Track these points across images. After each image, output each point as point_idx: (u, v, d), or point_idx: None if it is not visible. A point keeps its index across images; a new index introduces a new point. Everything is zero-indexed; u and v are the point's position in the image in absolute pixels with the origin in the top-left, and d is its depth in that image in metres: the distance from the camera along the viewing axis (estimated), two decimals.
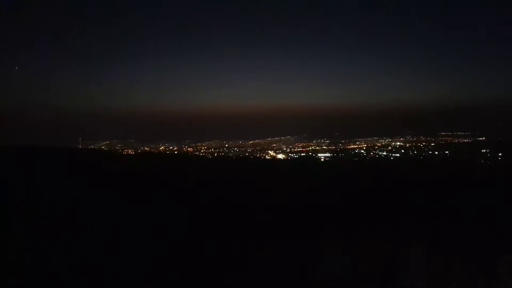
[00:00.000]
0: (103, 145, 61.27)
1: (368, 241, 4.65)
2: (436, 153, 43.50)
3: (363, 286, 3.66)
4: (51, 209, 5.77)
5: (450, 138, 60.24)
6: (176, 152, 47.19)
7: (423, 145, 52.69)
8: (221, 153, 51.05)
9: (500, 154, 33.62)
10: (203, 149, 57.58)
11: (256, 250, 4.40)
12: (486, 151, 38.01)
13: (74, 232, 4.78)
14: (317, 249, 4.36)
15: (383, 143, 59.38)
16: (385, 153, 46.18)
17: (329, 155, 45.95)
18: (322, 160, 37.01)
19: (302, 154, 49.70)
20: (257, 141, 71.38)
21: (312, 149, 56.51)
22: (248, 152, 54.28)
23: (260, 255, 4.28)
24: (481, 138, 56.60)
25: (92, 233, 4.79)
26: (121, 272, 3.78)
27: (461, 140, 57.73)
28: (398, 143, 57.43)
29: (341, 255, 4.12)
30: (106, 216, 5.60)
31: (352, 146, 57.60)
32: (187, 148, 60.27)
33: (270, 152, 53.31)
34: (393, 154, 44.36)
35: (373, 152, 47.74)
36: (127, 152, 37.61)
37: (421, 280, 3.71)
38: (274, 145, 65.96)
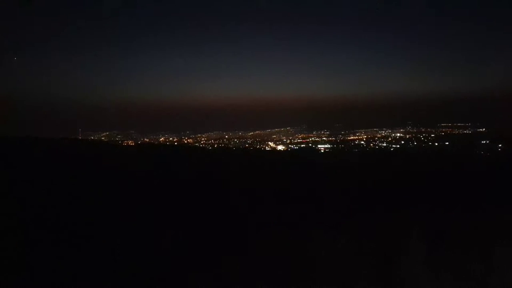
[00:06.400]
0: (103, 136, 61.32)
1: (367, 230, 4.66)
2: (436, 144, 43.52)
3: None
4: (49, 201, 5.78)
5: (450, 129, 60.20)
6: (176, 143, 47.23)
7: (423, 136, 52.70)
8: (221, 144, 51.04)
9: (499, 145, 33.62)
10: (203, 140, 57.61)
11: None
12: (486, 142, 38.05)
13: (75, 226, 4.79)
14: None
15: (383, 134, 59.41)
16: (385, 144, 46.21)
17: (329, 146, 46.00)
18: (322, 151, 37.06)
19: (302, 146, 49.73)
20: (257, 132, 71.38)
21: (312, 140, 56.51)
22: (248, 143, 54.27)
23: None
24: (481, 129, 56.59)
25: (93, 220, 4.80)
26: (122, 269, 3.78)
27: (461, 131, 57.68)
28: (398, 134, 57.44)
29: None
30: (105, 210, 5.61)
31: (352, 138, 57.60)
32: (187, 139, 60.31)
33: (270, 143, 53.31)
34: (393, 145, 44.40)
35: (373, 143, 47.77)
36: (127, 143, 37.61)
37: (420, 272, 3.70)
38: (274, 136, 65.93)
